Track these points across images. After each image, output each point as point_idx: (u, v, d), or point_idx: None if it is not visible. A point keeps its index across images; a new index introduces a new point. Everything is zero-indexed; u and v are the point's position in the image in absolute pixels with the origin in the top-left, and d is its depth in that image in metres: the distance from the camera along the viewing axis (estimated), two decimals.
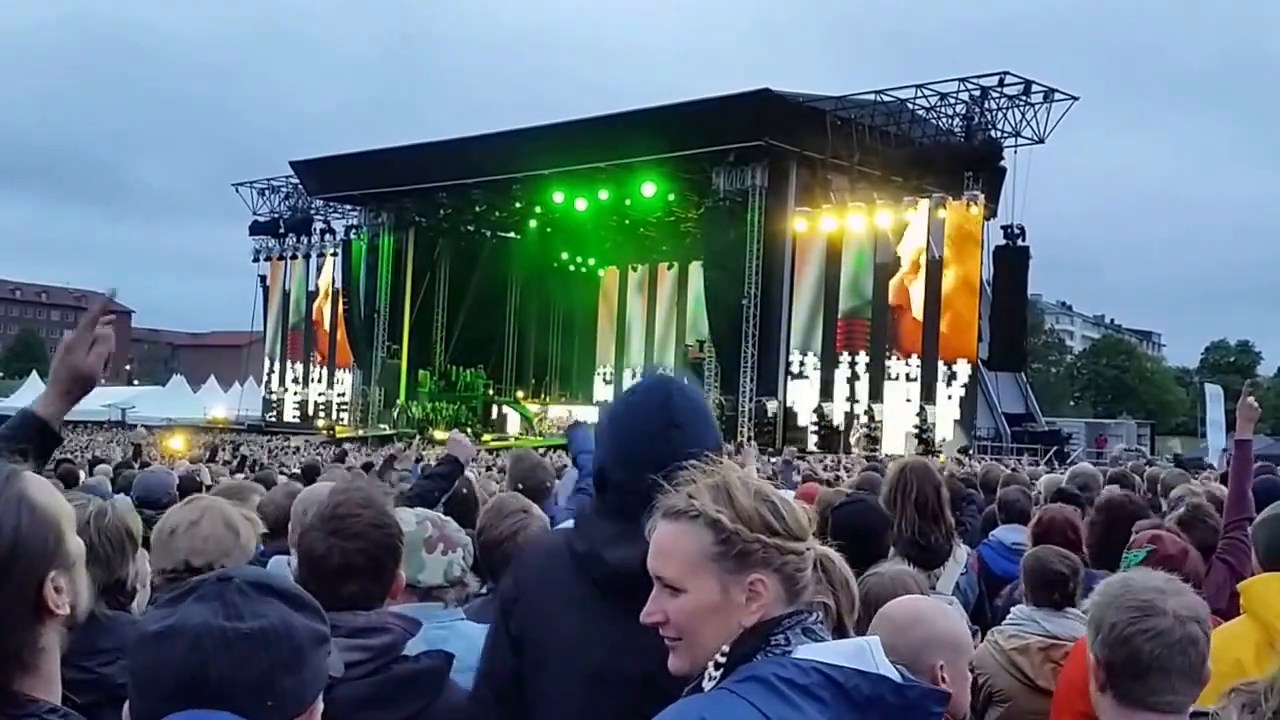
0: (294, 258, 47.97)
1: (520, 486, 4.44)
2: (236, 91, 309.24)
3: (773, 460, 17.86)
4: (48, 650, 1.35)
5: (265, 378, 50.49)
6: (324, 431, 42.29)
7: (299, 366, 48.50)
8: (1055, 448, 30.89)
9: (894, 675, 1.49)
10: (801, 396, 33.69)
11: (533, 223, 42.50)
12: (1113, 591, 2.08)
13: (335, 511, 2.45)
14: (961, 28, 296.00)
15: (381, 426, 41.62)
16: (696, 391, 2.11)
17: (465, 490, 4.68)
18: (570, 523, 2.41)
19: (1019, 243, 30.74)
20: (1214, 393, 28.41)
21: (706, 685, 1.52)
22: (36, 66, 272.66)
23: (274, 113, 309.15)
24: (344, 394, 46.20)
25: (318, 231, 46.80)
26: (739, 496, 1.56)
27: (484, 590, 3.17)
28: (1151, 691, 1.99)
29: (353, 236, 45.23)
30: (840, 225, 32.38)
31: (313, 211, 46.70)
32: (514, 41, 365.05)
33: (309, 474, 9.27)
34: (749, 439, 28.33)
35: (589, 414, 40.16)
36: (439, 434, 34.64)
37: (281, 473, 11.68)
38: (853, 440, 31.35)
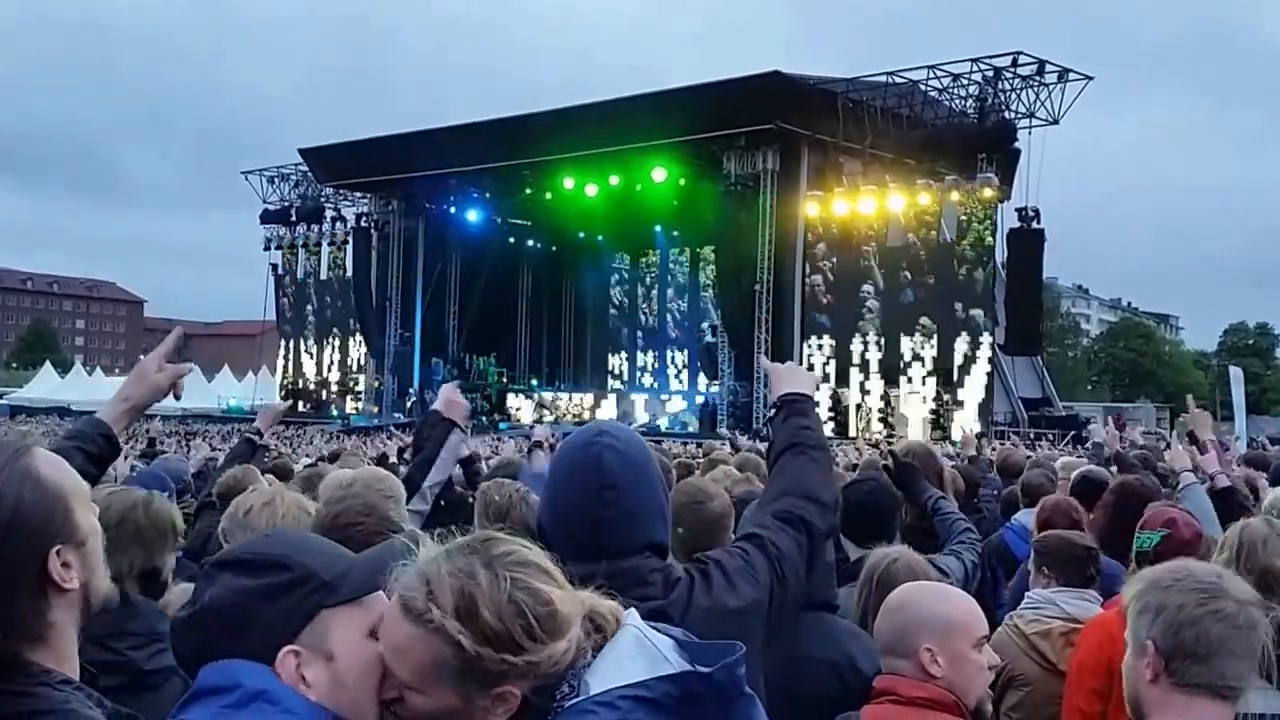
0: (305, 245, 47.99)
1: None
2: (226, 80, 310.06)
3: None
4: (58, 625, 1.36)
5: (279, 366, 50.58)
6: (338, 420, 42.37)
7: (312, 355, 48.55)
8: (1073, 432, 30.64)
9: (685, 663, 1.39)
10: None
11: (543, 208, 42.34)
12: (1171, 577, 2.06)
13: (335, 521, 2.36)
14: (936, 11, 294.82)
15: (395, 415, 41.66)
16: (634, 443, 1.98)
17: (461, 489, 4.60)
18: None
19: (1034, 225, 30.38)
20: (1235, 375, 28.16)
21: None
22: (7, 52, 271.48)
23: (268, 102, 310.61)
24: (357, 382, 46.23)
25: (329, 219, 46.78)
26: (485, 613, 1.33)
27: None
28: (1220, 676, 1.97)
29: (364, 223, 45.22)
30: (853, 208, 32.15)
31: (323, 199, 46.70)
32: (473, 22, 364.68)
33: (332, 461, 9.26)
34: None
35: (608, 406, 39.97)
36: None
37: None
38: (863, 426, 31.18)
